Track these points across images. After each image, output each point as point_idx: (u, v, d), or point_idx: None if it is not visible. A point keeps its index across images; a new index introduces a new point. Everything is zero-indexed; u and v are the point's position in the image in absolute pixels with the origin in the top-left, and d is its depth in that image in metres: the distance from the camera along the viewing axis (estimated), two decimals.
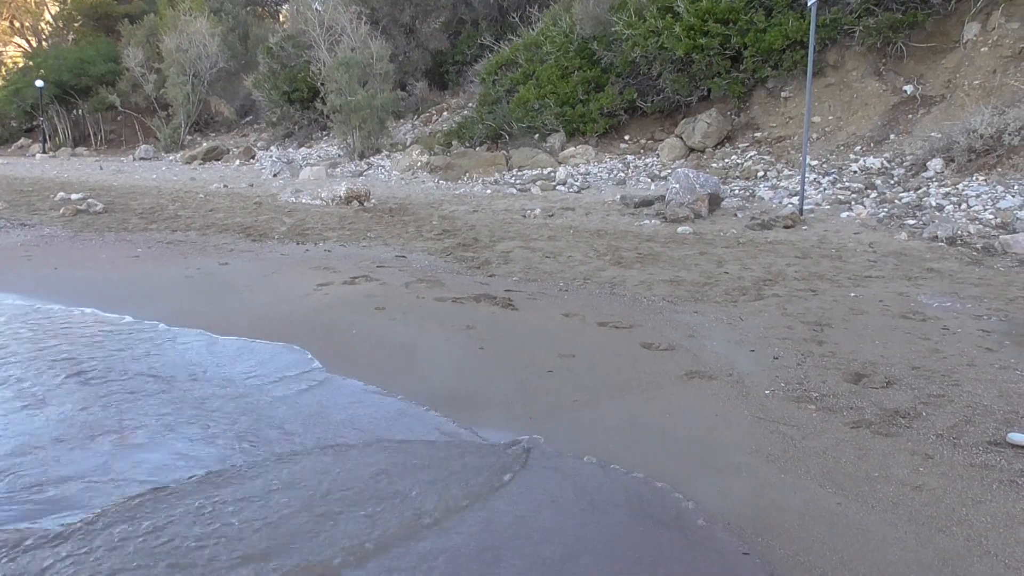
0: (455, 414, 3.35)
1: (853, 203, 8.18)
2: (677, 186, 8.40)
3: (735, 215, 8.21)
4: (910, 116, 10.08)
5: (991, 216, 7.02)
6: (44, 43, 31.64)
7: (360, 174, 13.87)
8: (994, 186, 7.69)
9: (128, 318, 4.91)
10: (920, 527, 2.39)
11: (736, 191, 9.34)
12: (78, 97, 26.00)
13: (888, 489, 2.62)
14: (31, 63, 28.07)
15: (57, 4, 31.51)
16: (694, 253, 6.67)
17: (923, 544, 2.30)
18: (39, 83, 25.21)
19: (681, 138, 11.76)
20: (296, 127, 19.72)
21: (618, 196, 9.38)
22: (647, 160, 11.84)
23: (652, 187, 10.12)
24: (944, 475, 2.71)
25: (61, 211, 9.93)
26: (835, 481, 2.69)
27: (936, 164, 8.56)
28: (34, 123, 26.88)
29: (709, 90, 11.96)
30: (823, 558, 2.24)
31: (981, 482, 2.65)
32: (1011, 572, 2.16)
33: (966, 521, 2.42)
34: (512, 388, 3.66)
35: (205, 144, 20.68)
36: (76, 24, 30.01)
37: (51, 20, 32.01)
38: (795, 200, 8.28)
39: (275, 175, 14.46)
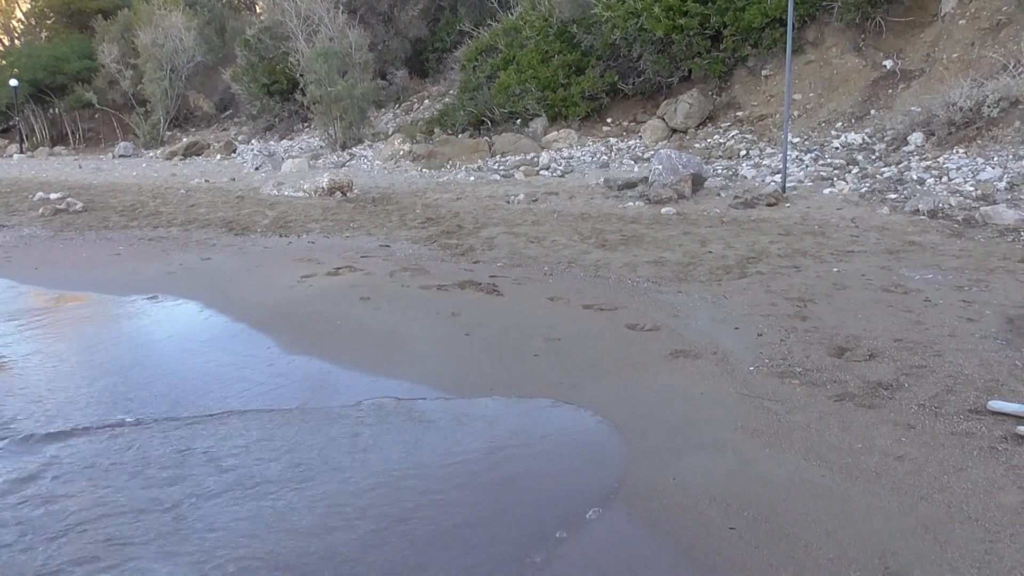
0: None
1: (835, 179, 8.20)
2: (660, 167, 8.39)
3: (718, 195, 8.22)
4: (890, 91, 10.11)
5: (971, 188, 7.06)
6: (16, 41, 31.04)
7: (342, 165, 13.77)
8: (974, 158, 7.73)
9: None
10: (903, 496, 2.42)
11: (719, 171, 9.34)
12: (54, 95, 25.57)
13: (871, 460, 2.65)
14: (4, 62, 27.54)
15: (28, 1, 30.93)
16: (678, 233, 6.67)
17: (906, 512, 2.33)
18: (13, 82, 24.76)
19: (663, 119, 11.74)
20: (277, 120, 19.52)
21: (601, 179, 9.36)
22: (630, 142, 11.82)
23: (635, 169, 10.10)
24: (926, 444, 2.73)
25: (40, 211, 9.80)
26: (819, 454, 2.71)
27: (917, 138, 8.60)
28: (10, 123, 26.45)
29: (690, 71, 11.92)
30: (808, 530, 2.26)
31: (962, 450, 2.68)
32: (992, 536, 2.19)
33: (948, 488, 2.44)
34: (498, 373, 3.66)
35: (185, 140, 20.41)
36: (49, 21, 29.43)
37: (23, 18, 31.41)
38: (777, 178, 8.29)
39: (257, 168, 14.33)
